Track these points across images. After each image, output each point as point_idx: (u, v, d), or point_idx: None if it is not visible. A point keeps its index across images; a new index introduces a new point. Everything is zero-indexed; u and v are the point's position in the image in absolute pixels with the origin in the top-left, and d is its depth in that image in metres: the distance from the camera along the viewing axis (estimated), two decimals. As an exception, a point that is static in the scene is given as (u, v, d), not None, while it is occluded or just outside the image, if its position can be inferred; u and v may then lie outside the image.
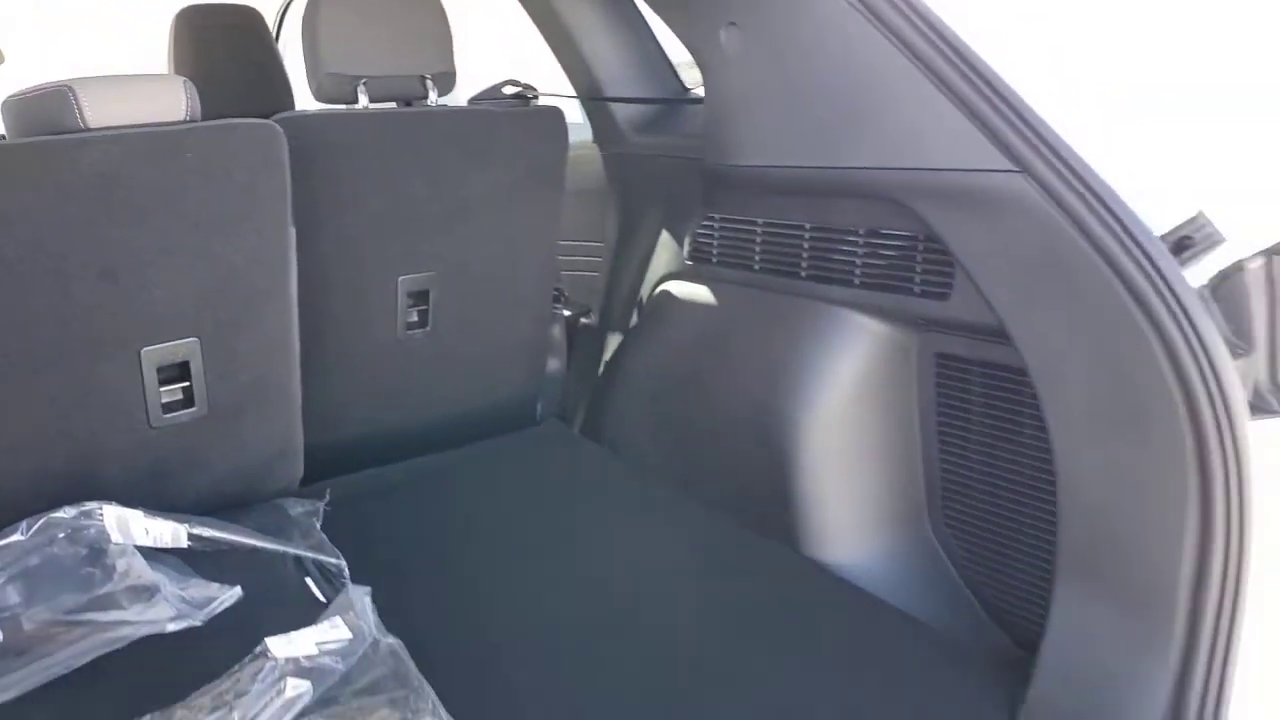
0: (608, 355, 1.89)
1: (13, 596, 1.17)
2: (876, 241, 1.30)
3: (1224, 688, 0.94)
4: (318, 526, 1.43)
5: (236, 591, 1.21)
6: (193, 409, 1.39)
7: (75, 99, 1.22)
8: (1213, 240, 0.97)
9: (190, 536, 1.28)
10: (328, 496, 1.50)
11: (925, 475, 1.32)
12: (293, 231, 1.43)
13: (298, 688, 0.98)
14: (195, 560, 1.30)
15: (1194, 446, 0.94)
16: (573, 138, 1.74)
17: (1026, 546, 1.18)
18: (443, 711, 0.99)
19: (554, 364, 1.98)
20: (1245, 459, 0.93)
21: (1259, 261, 0.96)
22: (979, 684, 1.10)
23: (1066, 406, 1.06)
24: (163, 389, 1.36)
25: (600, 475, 1.64)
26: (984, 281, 1.13)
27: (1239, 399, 0.93)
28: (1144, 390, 0.97)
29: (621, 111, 1.76)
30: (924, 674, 1.12)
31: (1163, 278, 0.95)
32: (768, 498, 1.42)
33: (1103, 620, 1.01)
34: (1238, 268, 0.97)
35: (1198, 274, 0.99)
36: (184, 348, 1.36)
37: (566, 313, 1.99)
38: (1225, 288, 0.98)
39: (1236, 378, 0.93)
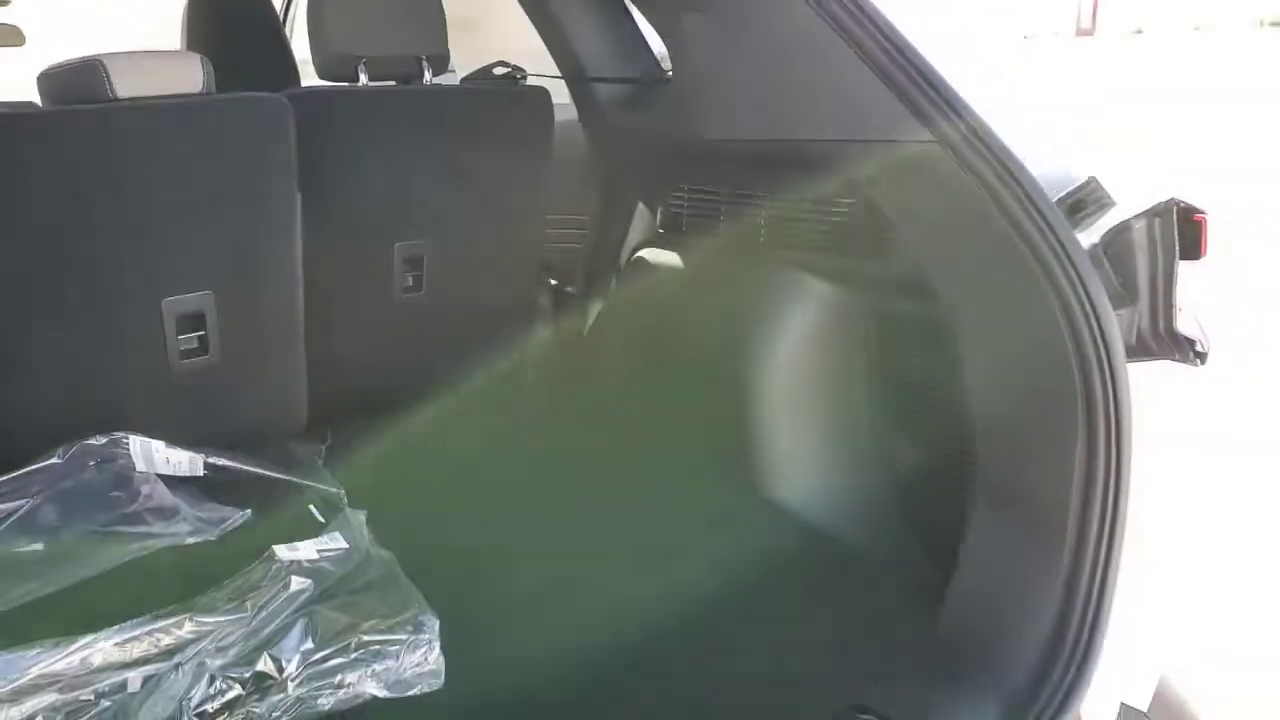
0: (590, 320, 2.03)
1: (50, 513, 1.32)
2: (825, 208, 1.44)
3: (1104, 591, 1.08)
4: (320, 464, 1.58)
5: (246, 513, 1.36)
6: (207, 356, 1.54)
7: (106, 71, 1.36)
8: (1103, 204, 1.10)
9: (206, 465, 1.42)
10: (329, 440, 1.65)
11: (870, 421, 1.46)
12: (298, 197, 1.57)
13: (301, 584, 1.13)
14: (209, 488, 1.44)
15: (1081, 384, 1.07)
16: (560, 117, 1.87)
17: (952, 481, 1.32)
18: (427, 607, 1.14)
19: (541, 329, 2.12)
20: (1123, 395, 1.06)
21: (1142, 222, 1.09)
22: (907, 600, 1.24)
23: (981, 354, 1.20)
24: (180, 337, 1.51)
25: (581, 427, 1.79)
26: (914, 244, 1.27)
27: (1118, 344, 1.06)
28: (1041, 338, 1.10)
29: (603, 92, 1.90)
30: (855, 596, 1.27)
31: (1057, 238, 1.08)
32: (732, 444, 1.57)
33: (1006, 535, 1.15)
34: (1125, 227, 1.10)
35: (1092, 233, 1.12)
36: (199, 300, 1.50)
37: (553, 281, 2.13)
38: (1115, 245, 1.11)
39: (1117, 326, 1.07)
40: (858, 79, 1.14)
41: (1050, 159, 1.12)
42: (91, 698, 0.96)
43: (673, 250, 1.76)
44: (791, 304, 1.51)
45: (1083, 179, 1.10)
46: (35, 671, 0.95)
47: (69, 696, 0.95)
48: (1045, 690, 1.06)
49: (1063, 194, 1.10)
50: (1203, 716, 1.24)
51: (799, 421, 1.52)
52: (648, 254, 1.80)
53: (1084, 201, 1.10)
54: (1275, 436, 3.33)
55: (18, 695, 0.93)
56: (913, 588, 1.26)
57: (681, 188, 1.74)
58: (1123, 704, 1.19)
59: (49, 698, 0.94)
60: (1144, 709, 1.20)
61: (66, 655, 0.97)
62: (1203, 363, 1.09)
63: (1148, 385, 1.11)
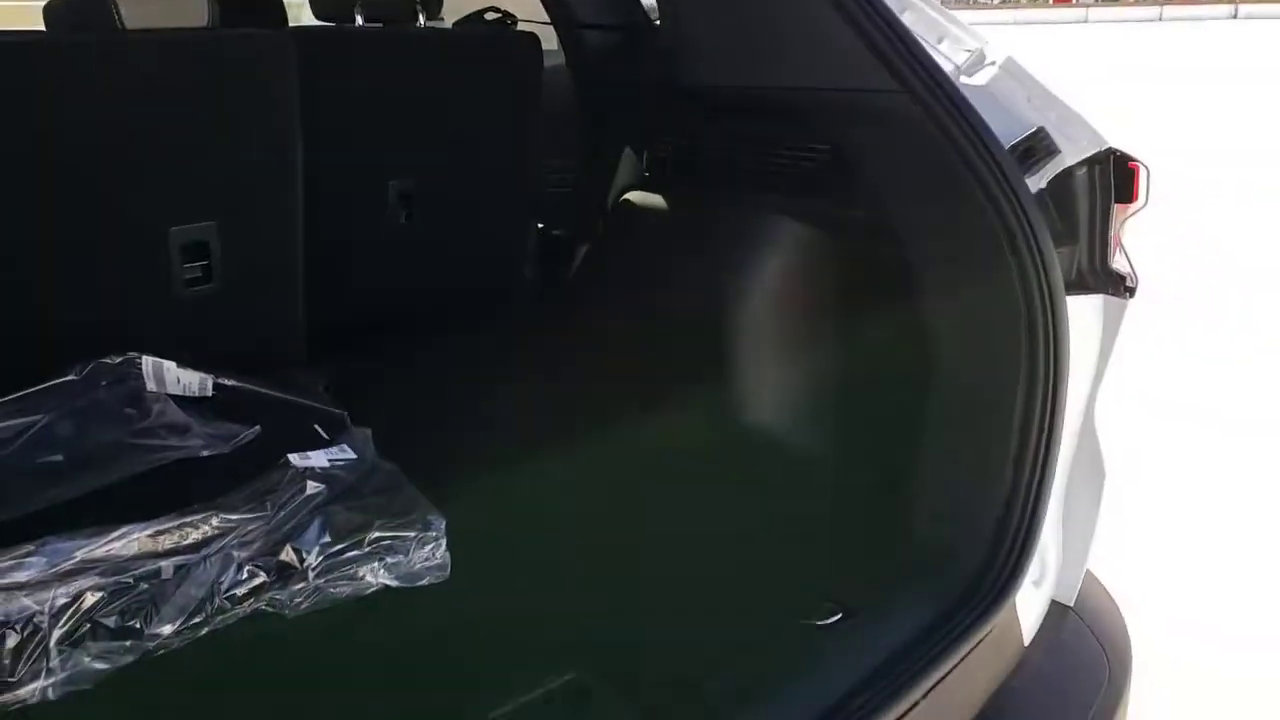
0: (578, 262, 2.12)
1: (67, 428, 1.40)
2: (800, 154, 1.54)
3: (1040, 498, 1.21)
4: (321, 390, 1.67)
5: (256, 429, 1.45)
6: (210, 284, 1.61)
7: (114, 3, 1.41)
8: (1050, 151, 1.22)
9: (215, 386, 1.51)
10: (327, 369, 1.73)
11: (838, 350, 1.58)
12: (299, 132, 1.63)
13: (315, 488, 1.23)
14: (217, 409, 1.53)
15: (1025, 314, 1.20)
16: (548, 63, 1.94)
17: (911, 402, 1.44)
18: (433, 509, 1.25)
19: (528, 271, 2.21)
20: (1062, 324, 1.18)
21: (1084, 169, 1.21)
22: (870, 508, 1.37)
23: (937, 290, 1.32)
24: (185, 266, 1.58)
25: (570, 358, 1.89)
26: (880, 187, 1.38)
27: (1058, 280, 1.17)
28: (992, 273, 1.22)
29: (592, 39, 1.97)
30: (823, 505, 1.40)
31: (1009, 182, 1.19)
32: (710, 374, 1.68)
33: (957, 448, 1.28)
34: (1069, 173, 1.22)
35: (1039, 178, 1.24)
36: (204, 229, 1.57)
37: (540, 225, 2.22)
38: (1059, 189, 1.22)
39: (1058, 263, 1.18)
40: (834, 31, 1.24)
41: (1004, 110, 1.23)
42: (131, 581, 1.06)
43: (658, 193, 1.86)
44: (768, 244, 1.62)
45: (1033, 128, 1.21)
46: (79, 556, 1.05)
47: (110, 580, 1.04)
48: (986, 583, 1.19)
49: (1014, 142, 1.22)
50: (1122, 612, 1.40)
51: (774, 352, 1.63)
52: (634, 196, 1.90)
53: (1033, 149, 1.22)
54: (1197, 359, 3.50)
55: (66, 577, 1.02)
56: (875, 497, 1.39)
57: (667, 133, 1.84)
58: (1053, 600, 1.34)
59: (93, 580, 1.03)
60: (1070, 604, 1.35)
61: (106, 543, 1.07)
62: (1131, 296, 1.22)
63: (1084, 315, 1.24)
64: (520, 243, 2.07)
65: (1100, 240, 1.21)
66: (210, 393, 1.51)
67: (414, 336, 1.84)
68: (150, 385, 1.48)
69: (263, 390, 1.52)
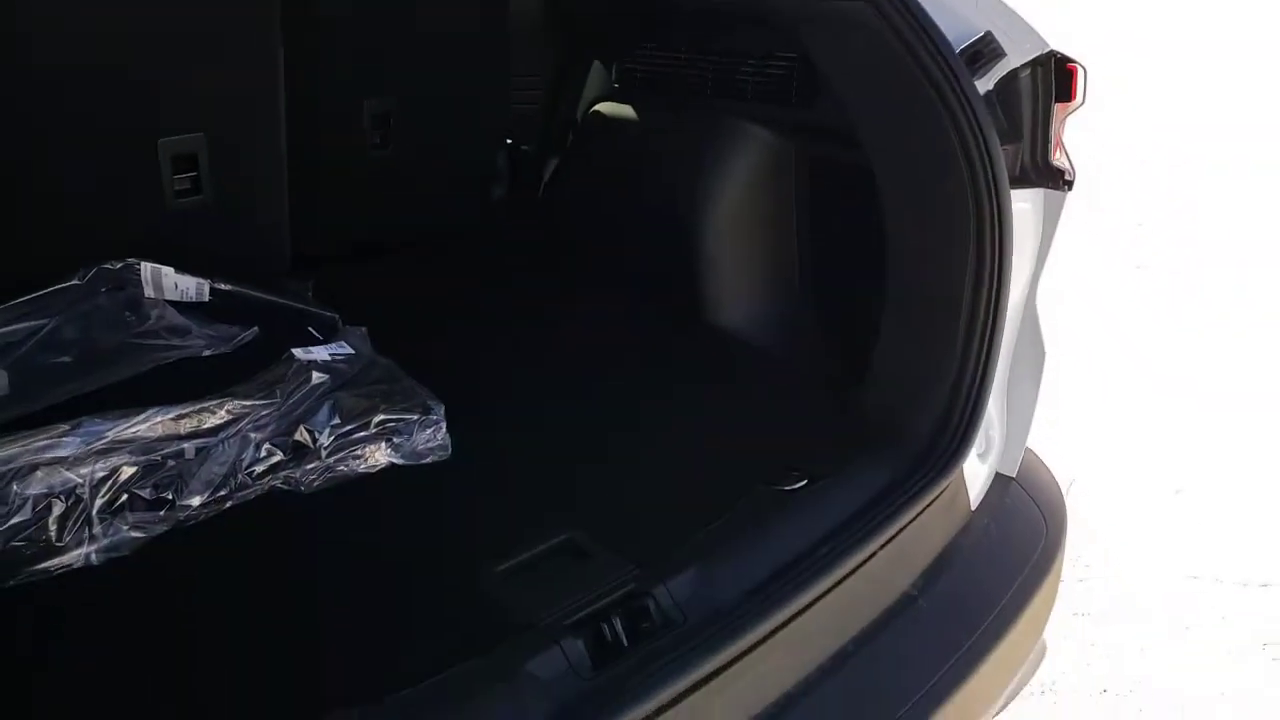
0: (548, 175, 2.18)
1: (74, 331, 1.47)
2: (766, 62, 1.62)
3: (985, 377, 1.34)
4: (309, 296, 1.74)
5: (254, 330, 1.52)
6: (199, 195, 1.66)
7: None
8: (997, 54, 1.31)
9: (212, 291, 1.57)
10: (312, 280, 1.80)
11: (799, 253, 1.69)
12: (281, 45, 1.66)
13: (320, 378, 1.32)
14: (213, 315, 1.60)
15: (973, 208, 1.30)
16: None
17: (866, 295, 1.56)
18: (433, 396, 1.34)
19: (498, 189, 2.27)
20: (1006, 216, 1.29)
21: (1028, 70, 1.31)
22: (827, 393, 1.50)
23: (894, 187, 1.42)
24: (175, 177, 1.62)
25: (546, 270, 1.98)
26: (841, 92, 1.46)
27: (1003, 174, 1.28)
28: (944, 169, 1.32)
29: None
30: (784, 391, 1.52)
31: (959, 84, 1.28)
32: (680, 278, 1.78)
33: (910, 332, 1.40)
34: (1014, 75, 1.32)
35: (987, 80, 1.33)
36: (193, 141, 1.61)
37: (509, 140, 2.27)
38: (1005, 91, 1.32)
39: (1003, 159, 1.29)
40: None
41: (954, 15, 1.32)
42: (159, 459, 1.14)
43: (627, 104, 1.92)
44: (733, 149, 1.70)
45: (981, 33, 1.31)
46: (111, 436, 1.13)
47: (141, 458, 1.13)
48: (935, 454, 1.32)
49: (964, 46, 1.31)
50: (1059, 483, 1.55)
51: (738, 254, 1.73)
52: (604, 108, 1.96)
53: (981, 52, 1.31)
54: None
55: (101, 454, 1.11)
56: (831, 384, 1.51)
57: (636, 44, 1.89)
58: (997, 472, 1.49)
59: (125, 457, 1.12)
60: (1013, 474, 1.49)
61: (133, 425, 1.15)
62: (1070, 189, 1.34)
63: (1026, 208, 1.35)
64: (491, 162, 2.13)
65: (1042, 138, 1.32)
66: (207, 298, 1.58)
67: (389, 250, 1.91)
68: (148, 291, 1.55)
69: (259, 294, 1.59)
